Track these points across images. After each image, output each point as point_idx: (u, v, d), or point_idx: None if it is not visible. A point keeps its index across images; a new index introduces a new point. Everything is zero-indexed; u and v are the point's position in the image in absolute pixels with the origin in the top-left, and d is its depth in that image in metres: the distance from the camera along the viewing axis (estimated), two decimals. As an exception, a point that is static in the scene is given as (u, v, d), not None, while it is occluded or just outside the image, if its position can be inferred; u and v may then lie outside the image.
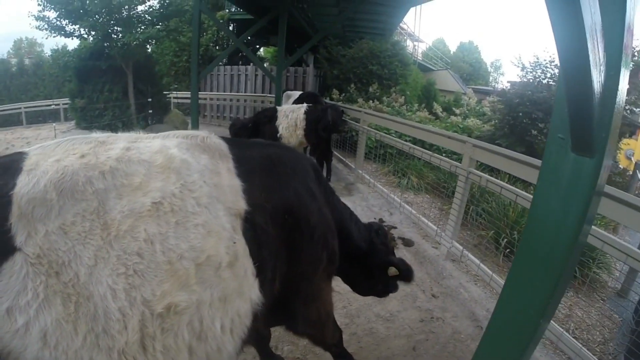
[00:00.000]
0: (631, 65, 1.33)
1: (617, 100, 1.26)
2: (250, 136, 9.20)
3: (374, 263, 3.09)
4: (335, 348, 3.14)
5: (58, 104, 22.62)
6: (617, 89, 1.24)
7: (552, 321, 3.71)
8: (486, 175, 4.90)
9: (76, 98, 15.93)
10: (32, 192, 1.49)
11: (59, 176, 1.55)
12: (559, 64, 1.19)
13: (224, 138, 2.19)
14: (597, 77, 1.12)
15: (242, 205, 1.91)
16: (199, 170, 1.86)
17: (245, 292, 1.87)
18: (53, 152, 1.69)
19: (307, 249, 2.41)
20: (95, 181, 1.60)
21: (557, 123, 1.36)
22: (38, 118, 23.88)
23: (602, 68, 1.16)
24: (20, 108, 23.18)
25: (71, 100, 16.45)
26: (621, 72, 1.24)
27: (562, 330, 3.66)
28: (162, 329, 1.60)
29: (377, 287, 3.26)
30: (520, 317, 1.62)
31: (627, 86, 1.44)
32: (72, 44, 17.00)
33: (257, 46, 25.54)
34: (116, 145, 1.79)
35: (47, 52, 26.94)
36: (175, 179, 1.77)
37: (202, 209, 1.77)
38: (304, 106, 9.05)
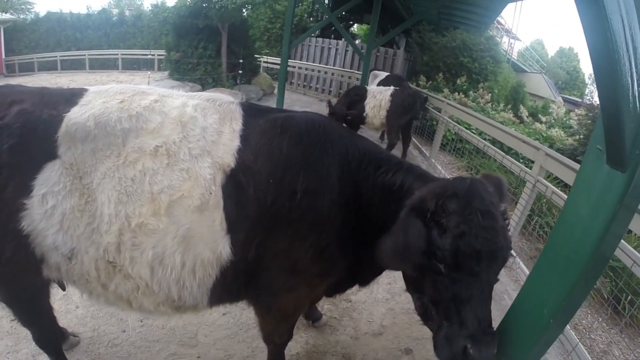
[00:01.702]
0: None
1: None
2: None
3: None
4: (275, 347, 3.03)
5: (153, 55, 23.93)
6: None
7: (585, 351, 3.68)
8: (553, 187, 4.76)
9: (172, 51, 16.76)
10: (78, 119, 2.09)
11: (99, 112, 2.14)
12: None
13: (245, 104, 2.50)
14: (632, 92, 1.16)
15: (229, 162, 2.20)
16: (203, 126, 2.25)
17: (211, 242, 2.16)
18: (105, 93, 2.28)
19: (287, 224, 2.27)
20: (124, 121, 2.15)
21: (597, 134, 1.41)
22: (133, 65, 25.44)
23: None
24: (117, 54, 24.88)
25: (167, 53, 17.39)
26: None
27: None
28: (132, 243, 2.10)
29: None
30: (534, 313, 1.68)
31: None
32: (171, 1, 17.87)
33: (351, 22, 25.54)
34: (150, 97, 2.31)
35: (146, 6, 28.17)
36: (180, 130, 2.20)
37: (191, 158, 2.17)
38: (391, 88, 9.10)
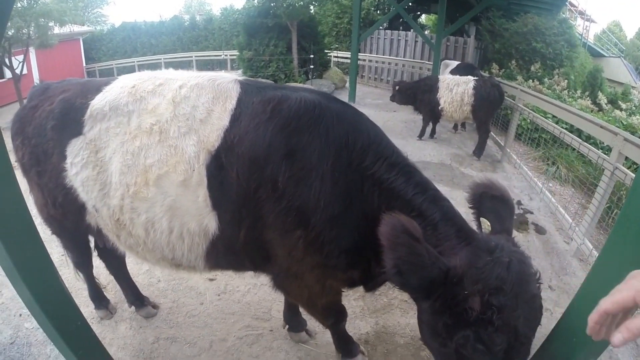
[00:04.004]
0: None
1: None
2: (408, 101, 9.48)
3: None
4: (329, 328, 3.14)
5: (226, 55, 24.65)
6: None
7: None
8: (632, 174, 4.57)
9: (244, 50, 17.34)
10: (98, 104, 2.54)
11: (113, 98, 2.54)
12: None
13: (246, 81, 2.56)
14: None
15: (213, 141, 2.31)
16: (194, 105, 2.41)
17: (197, 215, 2.37)
18: (124, 80, 2.67)
19: (273, 215, 2.25)
20: (130, 104, 2.49)
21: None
22: (207, 66, 26.39)
23: None
24: (191, 57, 25.91)
25: (239, 52, 18.06)
26: None
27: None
28: (131, 207, 2.48)
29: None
30: (604, 291, 1.68)
31: None
32: (238, 3, 18.47)
33: (419, 13, 25.29)
34: (157, 81, 2.57)
35: (216, 10, 28.95)
36: (172, 109, 2.41)
37: (179, 135, 2.36)
38: (470, 80, 8.69)
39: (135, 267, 4.52)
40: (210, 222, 2.37)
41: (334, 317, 2.99)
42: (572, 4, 27.11)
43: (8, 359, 3.45)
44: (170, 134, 2.37)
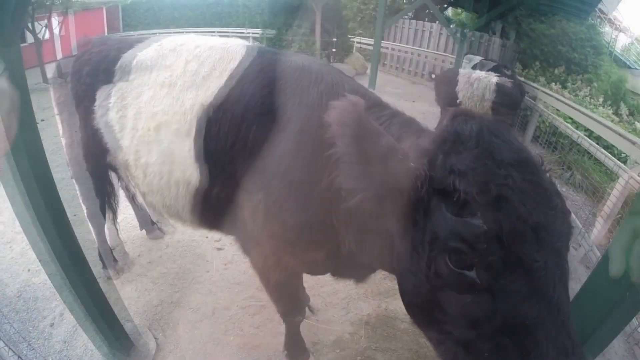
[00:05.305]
0: None
1: None
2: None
3: None
4: (283, 318, 3.09)
5: (248, 33, 24.59)
6: None
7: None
8: None
9: (267, 28, 17.32)
10: (127, 58, 2.82)
11: (141, 54, 2.80)
12: None
13: (252, 46, 2.64)
14: None
15: (207, 97, 2.43)
16: (202, 64, 2.55)
17: (182, 164, 2.51)
18: (153, 39, 2.93)
19: (240, 174, 2.28)
20: (153, 60, 2.73)
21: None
22: (231, 43, 26.30)
23: None
24: (214, 32, 25.70)
25: (262, 30, 18.16)
26: None
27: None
28: (136, 149, 2.69)
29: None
30: (610, 284, 1.66)
31: None
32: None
33: (445, 5, 25.00)
34: (177, 42, 2.78)
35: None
36: (183, 66, 2.58)
37: (183, 89, 2.52)
38: (493, 76, 8.43)
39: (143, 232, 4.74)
40: (192, 174, 2.51)
41: (288, 305, 2.94)
42: (601, 11, 26.63)
43: (14, 312, 3.54)
44: (176, 87, 2.56)
